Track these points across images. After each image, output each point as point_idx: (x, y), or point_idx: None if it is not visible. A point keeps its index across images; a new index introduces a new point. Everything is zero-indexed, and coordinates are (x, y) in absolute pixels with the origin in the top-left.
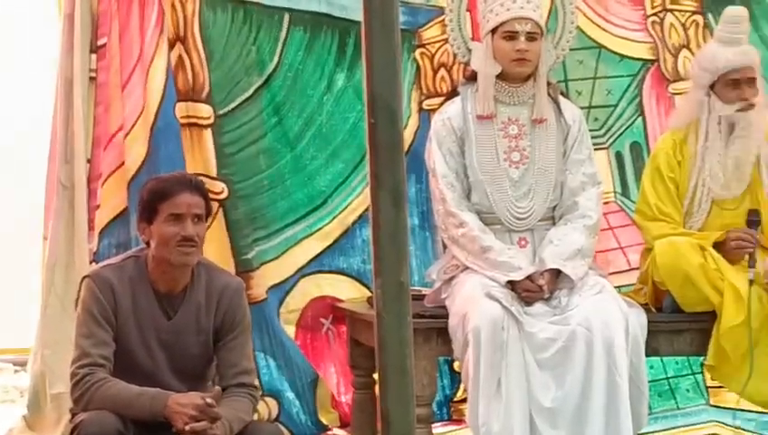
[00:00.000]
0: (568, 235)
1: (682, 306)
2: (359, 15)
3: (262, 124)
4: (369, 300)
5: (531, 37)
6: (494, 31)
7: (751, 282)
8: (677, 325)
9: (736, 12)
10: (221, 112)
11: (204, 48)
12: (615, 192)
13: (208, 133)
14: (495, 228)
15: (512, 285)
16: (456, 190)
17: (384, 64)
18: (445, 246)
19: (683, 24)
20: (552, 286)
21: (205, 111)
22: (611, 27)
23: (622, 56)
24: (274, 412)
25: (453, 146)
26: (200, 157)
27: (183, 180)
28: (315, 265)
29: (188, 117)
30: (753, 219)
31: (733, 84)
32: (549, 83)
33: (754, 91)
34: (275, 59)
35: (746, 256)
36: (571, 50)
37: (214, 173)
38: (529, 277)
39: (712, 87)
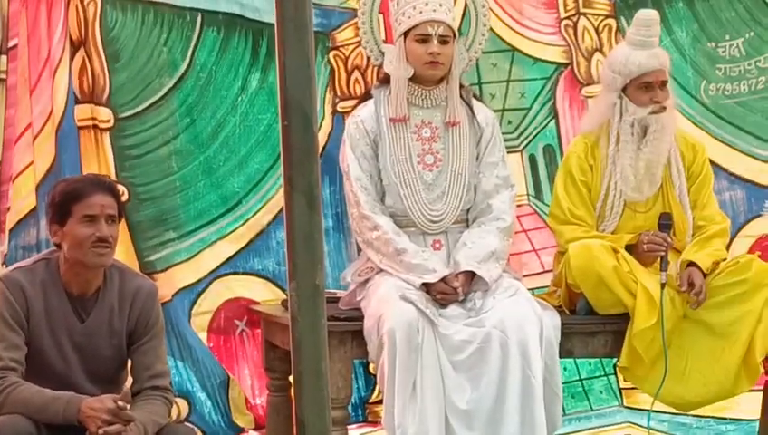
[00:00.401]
0: (482, 237)
1: (596, 308)
2: (271, 18)
3: (174, 125)
4: (284, 303)
5: (443, 40)
6: (406, 34)
7: (663, 285)
8: (591, 327)
9: (648, 15)
10: (127, 114)
11: (105, 51)
12: (528, 195)
13: (107, 137)
14: (410, 231)
15: (426, 287)
16: (369, 193)
17: (298, 67)
18: (359, 249)
19: (596, 28)
20: (466, 289)
21: (104, 114)
22: (525, 30)
23: (536, 59)
24: (184, 413)
25: (366, 149)
26: (102, 160)
27: (96, 181)
28: (229, 267)
29: (93, 119)
30: (664, 222)
31: (645, 87)
32: (462, 86)
33: (666, 93)
34: (187, 60)
35: (658, 259)
36: (484, 53)
37: (113, 177)
38: (443, 280)
39: (624, 90)
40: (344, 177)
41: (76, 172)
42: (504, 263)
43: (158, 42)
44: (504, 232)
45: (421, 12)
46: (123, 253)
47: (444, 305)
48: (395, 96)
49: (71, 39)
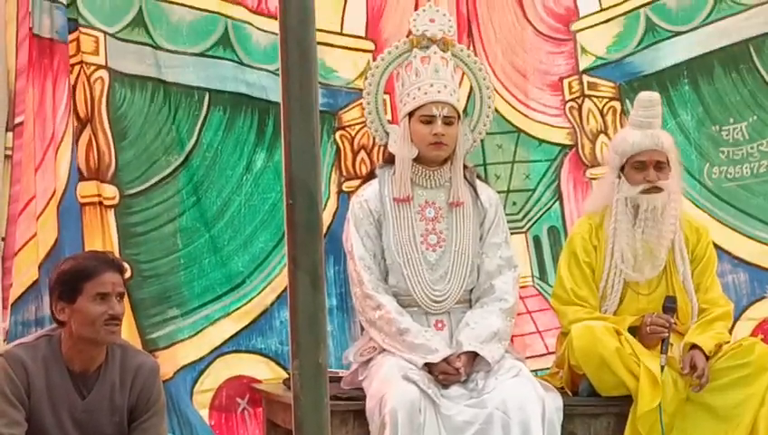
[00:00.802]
0: (485, 318)
1: (598, 390)
2: (278, 96)
3: (180, 203)
4: (286, 382)
5: (448, 121)
6: (411, 114)
7: (662, 368)
8: (594, 409)
9: (649, 96)
10: (133, 192)
11: (111, 128)
12: (533, 276)
13: (111, 214)
14: (412, 311)
15: (429, 367)
16: (373, 272)
17: (303, 146)
18: (362, 328)
19: (600, 110)
20: (468, 369)
21: (109, 191)
22: (531, 112)
23: (541, 141)
24: None
25: (370, 228)
26: (105, 237)
27: (105, 259)
28: (232, 345)
29: (98, 196)
30: (668, 305)
31: (639, 167)
32: (465, 166)
33: (663, 175)
34: (194, 138)
35: (660, 341)
36: (490, 134)
37: (117, 254)
38: (446, 360)
39: (622, 169)
40: (348, 256)
41: (77, 249)
42: (506, 343)
43: (167, 120)
44: (507, 313)
45: (426, 93)
46: (125, 330)
47: (446, 386)
48: (399, 176)
49: (78, 116)
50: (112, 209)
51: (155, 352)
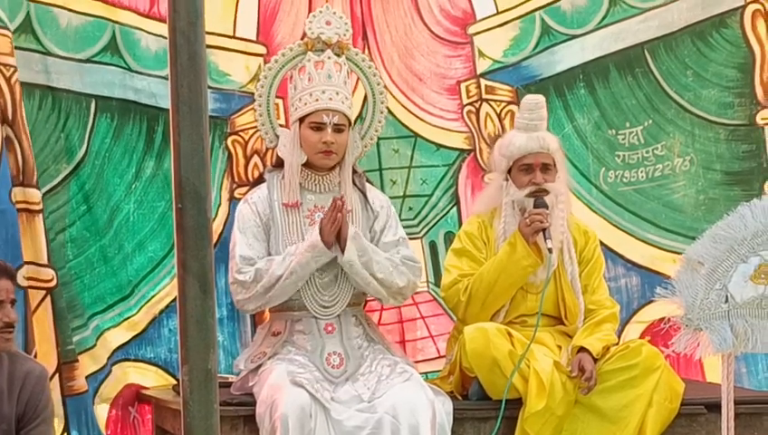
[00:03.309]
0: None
1: (489, 393)
2: (167, 103)
3: (70, 212)
4: (175, 387)
5: (338, 129)
6: (301, 120)
7: (550, 250)
8: (485, 413)
9: (533, 99)
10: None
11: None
12: (428, 282)
13: (40, 219)
14: (302, 314)
15: (321, 238)
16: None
17: (192, 150)
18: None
19: (498, 114)
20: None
21: (36, 195)
22: (427, 116)
23: (438, 145)
24: None
25: (258, 231)
26: (33, 243)
27: None
28: (122, 354)
29: (22, 202)
30: (539, 202)
31: (526, 169)
32: (355, 172)
33: (549, 177)
34: (84, 146)
35: (541, 233)
36: (386, 138)
37: (44, 260)
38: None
39: (509, 172)
40: (232, 259)
41: (15, 256)
42: (398, 276)
43: (56, 128)
44: (413, 269)
45: (318, 99)
46: (47, 342)
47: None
48: (288, 182)
49: (5, 120)
50: (40, 214)
51: (73, 364)
